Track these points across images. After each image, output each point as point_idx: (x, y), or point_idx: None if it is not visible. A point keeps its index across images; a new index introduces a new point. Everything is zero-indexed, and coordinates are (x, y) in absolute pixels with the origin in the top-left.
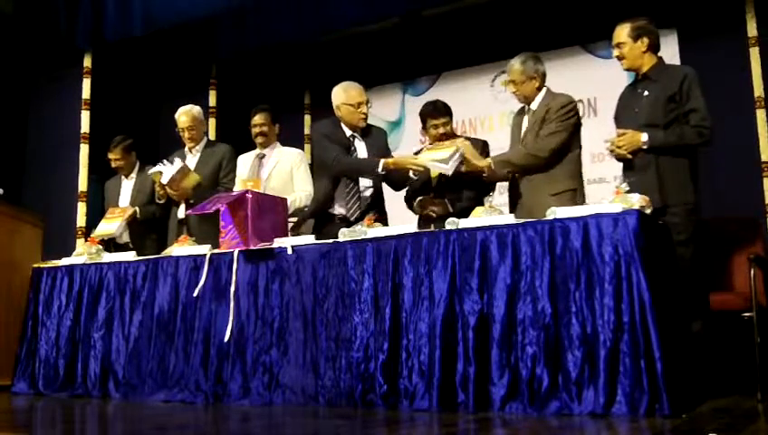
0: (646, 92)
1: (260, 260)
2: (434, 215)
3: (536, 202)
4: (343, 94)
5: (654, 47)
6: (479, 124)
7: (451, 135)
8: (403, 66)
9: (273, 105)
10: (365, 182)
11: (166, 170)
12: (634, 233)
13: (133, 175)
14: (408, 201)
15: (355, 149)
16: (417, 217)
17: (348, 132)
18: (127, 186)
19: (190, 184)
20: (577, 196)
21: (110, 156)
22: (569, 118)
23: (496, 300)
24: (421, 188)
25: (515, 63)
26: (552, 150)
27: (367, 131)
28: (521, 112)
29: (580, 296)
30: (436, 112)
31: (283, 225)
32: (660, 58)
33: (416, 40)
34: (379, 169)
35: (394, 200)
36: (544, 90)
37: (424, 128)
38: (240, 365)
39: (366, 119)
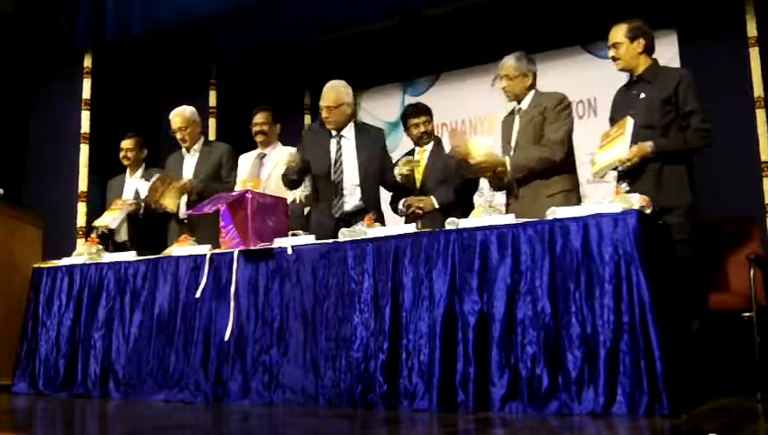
0: (642, 94)
1: (260, 260)
2: (420, 212)
3: (534, 205)
4: (323, 94)
5: (649, 49)
6: (479, 124)
7: (432, 133)
8: (403, 66)
9: (273, 105)
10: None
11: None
12: (634, 233)
13: (137, 174)
14: (393, 204)
15: (340, 148)
16: (403, 217)
17: (333, 132)
18: (131, 185)
19: (171, 202)
20: (572, 196)
21: (124, 145)
22: (568, 113)
23: (496, 300)
24: (404, 190)
25: (510, 59)
26: (564, 148)
27: (360, 130)
28: (510, 114)
29: (580, 296)
30: (416, 111)
31: (283, 225)
32: (655, 60)
33: (415, 40)
34: None
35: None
36: (533, 90)
37: (406, 130)
38: (240, 365)
39: (335, 121)
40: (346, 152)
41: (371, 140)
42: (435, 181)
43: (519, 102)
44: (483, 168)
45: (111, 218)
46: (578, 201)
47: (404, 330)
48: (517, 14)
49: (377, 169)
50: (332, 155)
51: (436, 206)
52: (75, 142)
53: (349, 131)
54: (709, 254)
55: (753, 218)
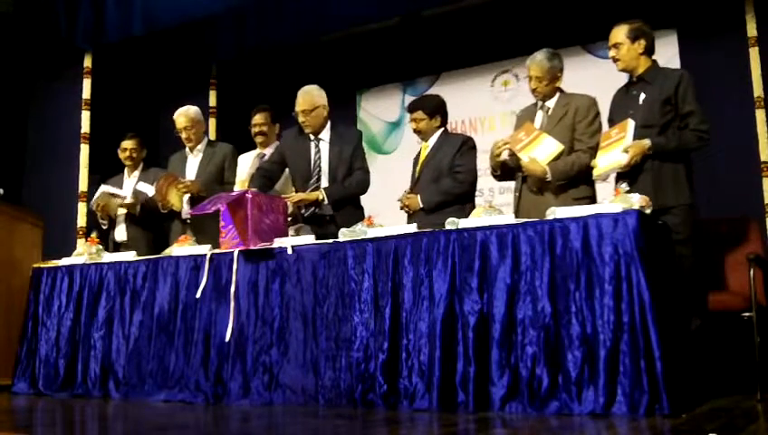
0: (643, 95)
1: (260, 260)
2: (408, 210)
3: (552, 205)
4: (297, 100)
5: (650, 50)
6: (479, 124)
7: (422, 132)
8: (403, 66)
9: (273, 105)
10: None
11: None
12: (634, 233)
13: (136, 173)
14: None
15: (318, 151)
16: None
17: (312, 136)
18: (129, 184)
19: (176, 200)
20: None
21: (127, 145)
22: (600, 119)
23: (496, 300)
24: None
25: (542, 59)
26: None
27: (335, 133)
28: (531, 108)
29: (580, 296)
30: (410, 106)
31: (283, 225)
32: (654, 61)
33: (416, 40)
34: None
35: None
36: (559, 89)
37: None
38: (240, 365)
39: (312, 125)
40: (324, 155)
41: (344, 141)
42: (427, 179)
43: (544, 101)
44: (525, 169)
45: (110, 189)
46: None
47: (404, 330)
48: (517, 14)
49: (344, 171)
50: (312, 158)
51: (421, 205)
52: (75, 142)
53: (326, 134)
54: (709, 254)
55: (752, 218)
